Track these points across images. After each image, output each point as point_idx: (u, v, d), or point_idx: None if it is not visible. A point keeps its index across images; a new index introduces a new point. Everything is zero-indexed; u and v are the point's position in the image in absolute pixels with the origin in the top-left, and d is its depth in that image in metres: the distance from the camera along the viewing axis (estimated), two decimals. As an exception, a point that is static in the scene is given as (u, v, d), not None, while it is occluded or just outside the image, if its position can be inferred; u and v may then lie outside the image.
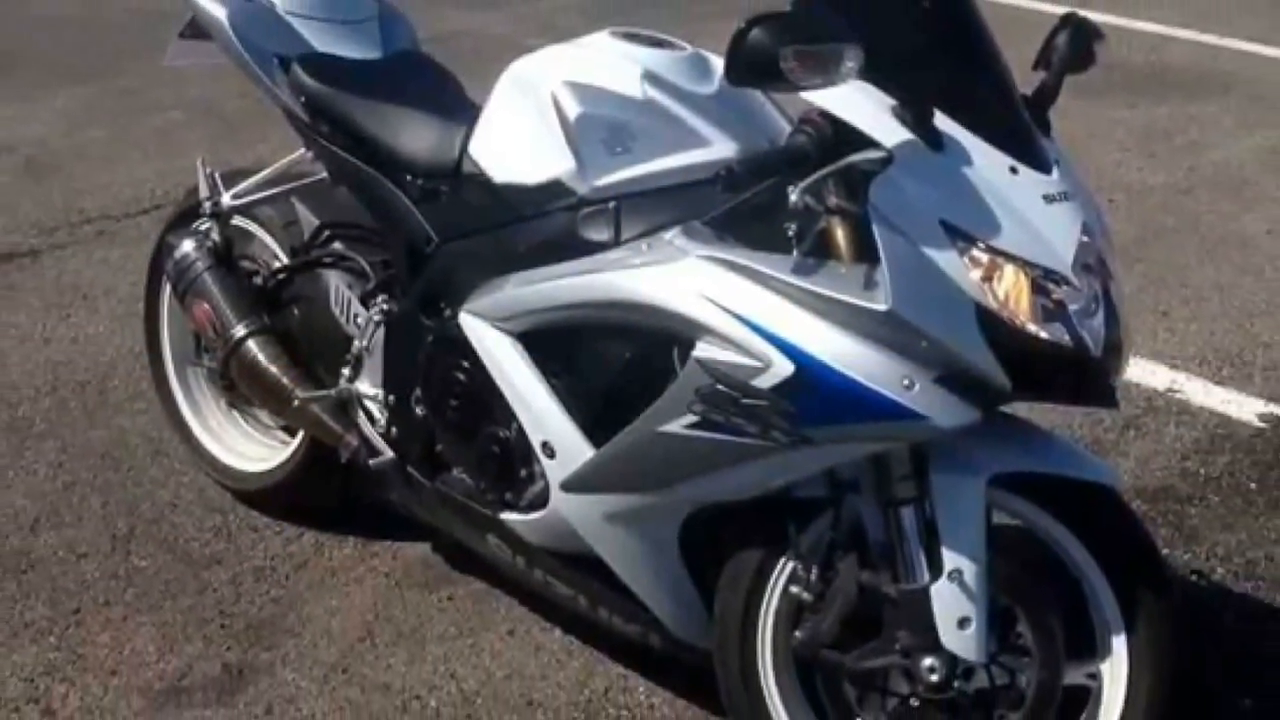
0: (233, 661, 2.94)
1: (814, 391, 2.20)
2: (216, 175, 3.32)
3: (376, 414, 2.98)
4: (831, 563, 2.41)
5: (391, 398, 2.93)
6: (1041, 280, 2.19)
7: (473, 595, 3.11)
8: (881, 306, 2.17)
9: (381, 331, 2.94)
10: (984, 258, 2.17)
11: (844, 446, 2.28)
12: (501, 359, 2.62)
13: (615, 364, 2.49)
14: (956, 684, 2.36)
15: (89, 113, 5.75)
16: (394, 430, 2.94)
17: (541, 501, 2.63)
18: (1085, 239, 2.24)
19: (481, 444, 2.74)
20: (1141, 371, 3.87)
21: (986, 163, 2.22)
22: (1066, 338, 2.20)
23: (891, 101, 2.21)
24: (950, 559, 2.29)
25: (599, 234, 2.48)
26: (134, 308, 3.81)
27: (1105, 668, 2.39)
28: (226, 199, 3.28)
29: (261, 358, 3.15)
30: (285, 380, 3.11)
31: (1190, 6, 6.91)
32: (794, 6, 2.21)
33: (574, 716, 2.79)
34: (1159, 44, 6.43)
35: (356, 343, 3.00)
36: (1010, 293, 2.17)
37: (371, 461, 2.98)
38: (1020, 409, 2.37)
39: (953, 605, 2.29)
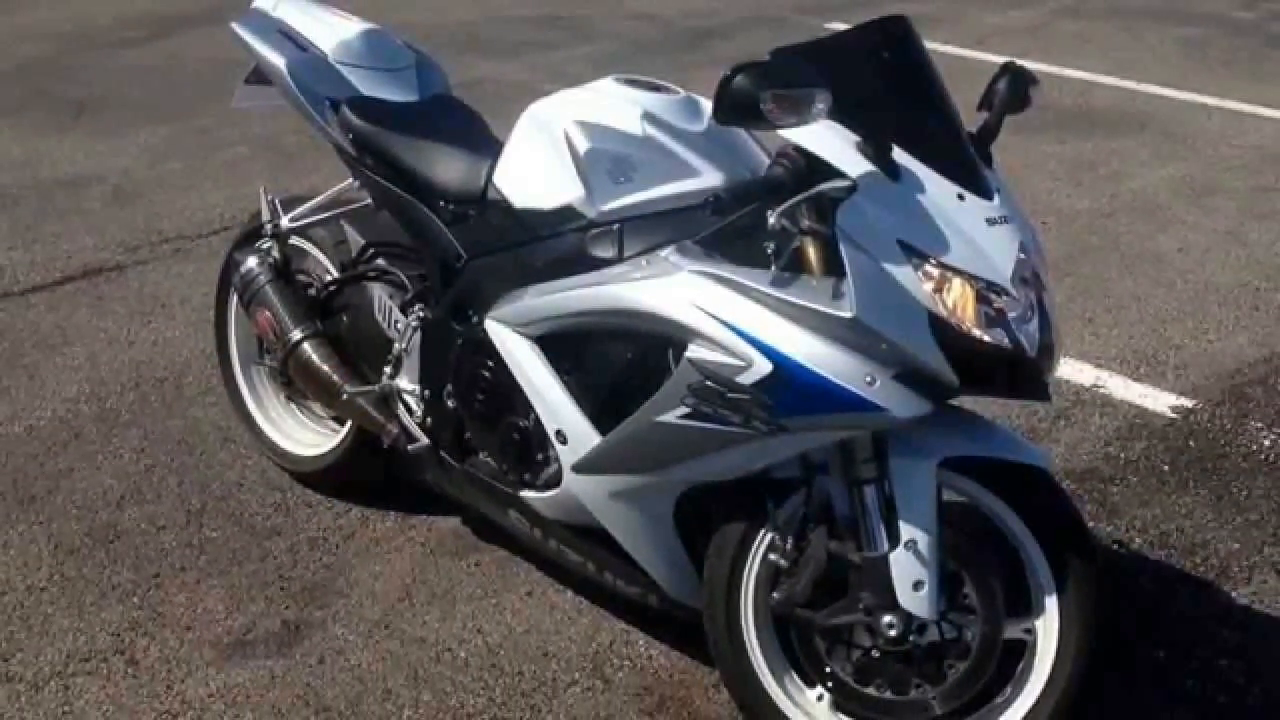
0: (290, 619, 2.93)
1: (789, 387, 2.20)
2: (276, 201, 3.31)
3: (414, 406, 2.97)
4: (804, 534, 2.41)
5: (427, 392, 2.92)
6: (985, 291, 2.19)
7: (496, 561, 3.10)
8: (847, 314, 2.16)
9: (418, 335, 2.93)
10: (935, 272, 2.17)
11: (815, 434, 2.28)
12: (521, 359, 2.61)
13: (619, 363, 2.48)
14: (912, 638, 2.36)
15: (168, 148, 5.74)
16: (429, 420, 2.94)
17: (555, 481, 2.63)
18: (1022, 256, 2.24)
19: (504, 432, 2.73)
20: (1070, 370, 3.86)
21: (937, 190, 2.22)
22: (1006, 341, 2.19)
23: (856, 138, 2.21)
24: (906, 530, 2.29)
25: (605, 252, 2.47)
26: (206, 315, 3.80)
27: (1039, 624, 2.39)
28: (285, 221, 3.27)
29: (315, 358, 3.14)
30: (335, 377, 3.10)
31: (1112, 57, 6.90)
32: (772, 57, 2.21)
33: (583, 666, 2.79)
34: (1085, 89, 6.42)
35: (396, 345, 2.99)
36: (958, 302, 2.17)
37: (410, 447, 2.97)
38: (966, 402, 2.37)
39: (908, 570, 2.29)
